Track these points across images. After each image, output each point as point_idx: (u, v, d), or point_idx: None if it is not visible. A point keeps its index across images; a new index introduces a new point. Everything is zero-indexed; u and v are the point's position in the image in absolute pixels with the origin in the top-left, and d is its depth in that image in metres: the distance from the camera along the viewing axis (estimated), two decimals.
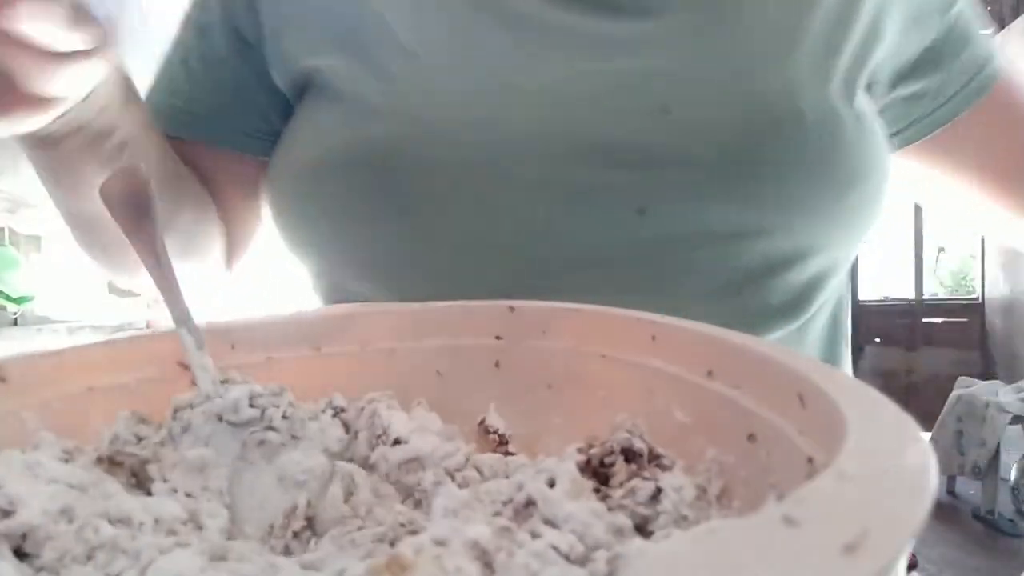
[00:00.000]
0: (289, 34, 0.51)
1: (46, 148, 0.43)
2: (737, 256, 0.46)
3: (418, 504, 0.29)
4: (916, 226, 4.59)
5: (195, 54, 0.55)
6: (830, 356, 0.55)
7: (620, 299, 0.45)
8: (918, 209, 4.55)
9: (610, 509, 0.24)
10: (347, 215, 0.48)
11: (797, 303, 0.49)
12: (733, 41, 0.47)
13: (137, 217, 0.35)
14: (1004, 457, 3.03)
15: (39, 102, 0.36)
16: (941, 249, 4.99)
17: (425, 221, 0.46)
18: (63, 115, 0.39)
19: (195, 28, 0.55)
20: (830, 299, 0.54)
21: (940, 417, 3.25)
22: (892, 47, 0.52)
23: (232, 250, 0.61)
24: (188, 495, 0.28)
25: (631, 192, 0.45)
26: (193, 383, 0.33)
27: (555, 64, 0.47)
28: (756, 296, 0.47)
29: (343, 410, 0.33)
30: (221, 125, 0.55)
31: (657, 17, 0.47)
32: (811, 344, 0.53)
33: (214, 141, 0.55)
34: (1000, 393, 3.13)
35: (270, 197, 0.52)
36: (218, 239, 0.59)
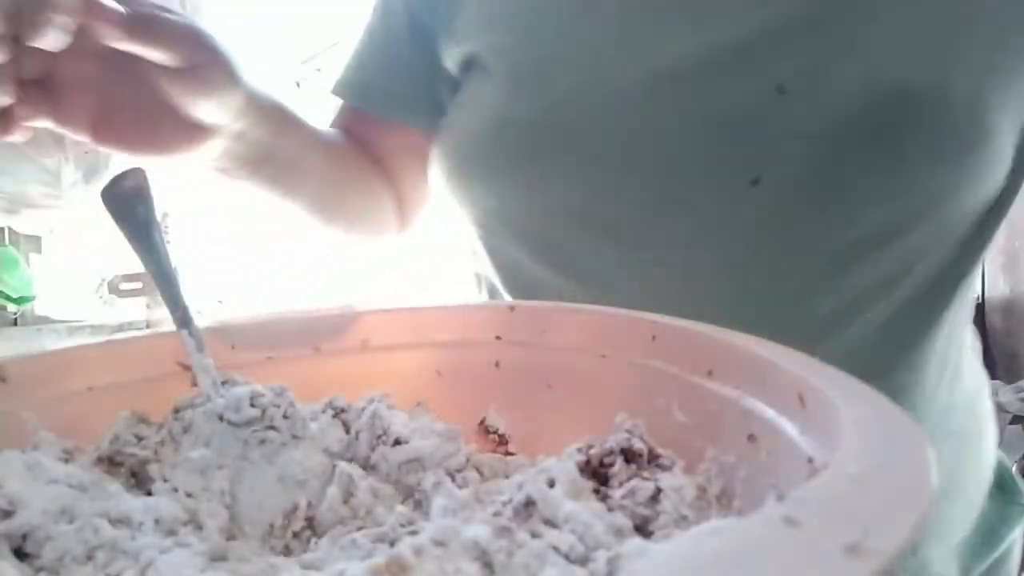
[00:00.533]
0: (461, 18, 0.56)
1: (233, 180, 0.51)
2: (851, 224, 0.46)
3: (418, 504, 0.29)
4: None
5: (379, 36, 0.62)
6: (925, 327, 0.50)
7: (733, 269, 0.47)
8: None
9: (610, 509, 0.24)
10: (495, 182, 0.53)
11: (901, 270, 0.48)
12: (853, 24, 0.46)
13: (138, 219, 0.35)
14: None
15: (198, 130, 0.44)
16: None
17: (553, 193, 0.51)
18: (223, 152, 0.47)
19: (381, 12, 0.62)
20: (931, 267, 0.50)
21: None
22: None
23: (404, 214, 0.68)
24: (188, 495, 0.28)
25: (745, 164, 0.46)
26: (194, 383, 0.33)
27: (672, 36, 0.48)
28: (868, 262, 0.47)
29: (343, 410, 0.33)
30: (396, 100, 0.62)
31: None
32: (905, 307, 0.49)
33: (388, 113, 0.63)
34: (1000, 393, 3.12)
35: (438, 158, 0.57)
36: (389, 209, 0.66)
